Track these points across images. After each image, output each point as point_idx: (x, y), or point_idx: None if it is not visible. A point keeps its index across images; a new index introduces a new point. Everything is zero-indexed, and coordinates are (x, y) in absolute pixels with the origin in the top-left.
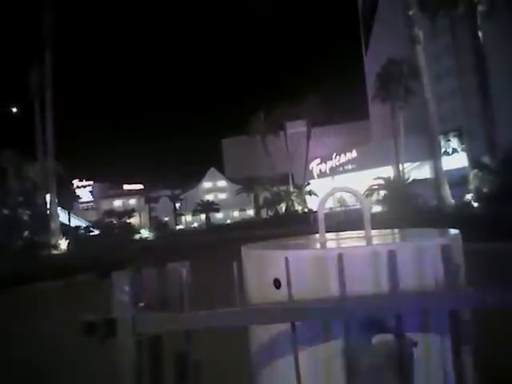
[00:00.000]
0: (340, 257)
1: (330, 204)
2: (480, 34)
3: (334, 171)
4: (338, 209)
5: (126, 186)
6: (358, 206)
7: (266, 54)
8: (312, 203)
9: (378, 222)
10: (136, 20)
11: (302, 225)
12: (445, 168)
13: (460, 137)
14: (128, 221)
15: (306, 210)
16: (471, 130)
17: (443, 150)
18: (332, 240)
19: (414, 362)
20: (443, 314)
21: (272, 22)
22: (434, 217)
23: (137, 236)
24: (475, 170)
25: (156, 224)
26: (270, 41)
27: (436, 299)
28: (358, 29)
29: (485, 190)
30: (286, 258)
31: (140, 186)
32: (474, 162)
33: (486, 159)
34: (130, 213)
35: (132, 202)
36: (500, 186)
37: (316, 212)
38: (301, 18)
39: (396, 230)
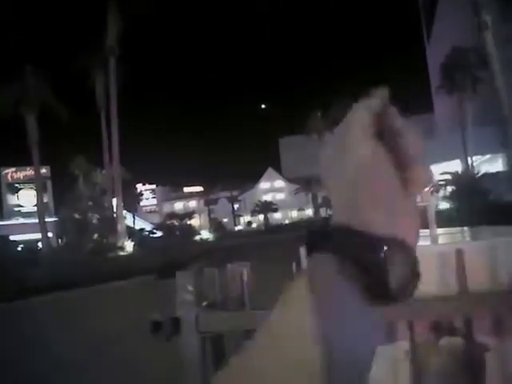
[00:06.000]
0: None
1: None
2: None
3: None
4: None
5: (187, 189)
6: (423, 204)
7: (322, 50)
8: None
9: (445, 219)
10: (199, 23)
11: None
12: None
13: None
14: (188, 222)
15: None
16: None
17: None
18: None
19: (485, 368)
20: None
21: (329, 15)
22: (509, 213)
23: (197, 237)
24: None
25: (215, 225)
26: (326, 36)
27: (508, 299)
28: (419, 17)
29: None
30: None
31: (199, 189)
32: None
33: None
34: (190, 215)
35: (192, 204)
36: None
37: None
38: (358, 10)
39: (465, 228)
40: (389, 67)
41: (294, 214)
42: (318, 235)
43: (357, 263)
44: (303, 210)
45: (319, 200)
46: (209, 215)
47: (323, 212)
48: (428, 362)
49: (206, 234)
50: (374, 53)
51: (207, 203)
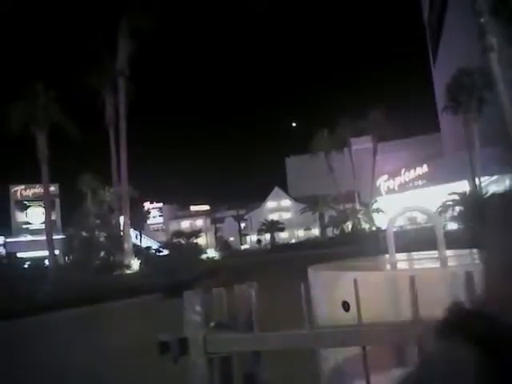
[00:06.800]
0: (412, 279)
1: (399, 222)
2: None
3: (403, 187)
4: (409, 227)
5: (193, 208)
6: (431, 224)
7: (329, 70)
8: (380, 221)
9: (454, 240)
10: (200, 48)
11: (369, 244)
12: None
13: None
14: (195, 241)
15: (373, 228)
16: None
17: None
18: (403, 261)
19: None
20: None
21: (335, 36)
22: None
23: (203, 256)
24: None
25: (222, 244)
26: (332, 56)
27: None
28: (425, 39)
29: None
30: (355, 280)
31: (206, 207)
32: None
33: None
34: (196, 233)
35: (199, 222)
36: None
37: (385, 231)
38: (364, 31)
39: (474, 250)
40: (396, 88)
41: (301, 233)
42: (462, 316)
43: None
44: (310, 229)
45: (326, 219)
46: (215, 234)
47: (329, 232)
48: None
49: (212, 253)
50: (382, 72)
51: (214, 222)
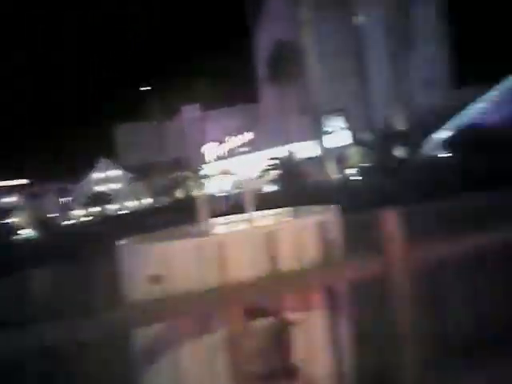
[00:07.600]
0: (220, 244)
1: (226, 187)
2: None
3: (229, 154)
4: (236, 191)
5: (5, 182)
6: (257, 188)
7: (156, 41)
8: (209, 188)
9: (270, 201)
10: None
11: (197, 211)
12: (331, 146)
13: (343, 116)
14: (8, 221)
15: (202, 194)
16: (352, 110)
17: (327, 129)
18: (214, 226)
19: (293, 340)
20: (321, 290)
21: (158, 6)
22: (320, 193)
23: (18, 236)
24: (356, 147)
25: (42, 221)
26: (157, 26)
27: (312, 276)
28: (246, 10)
29: (365, 164)
30: (165, 251)
31: (23, 182)
32: (355, 140)
33: (365, 136)
34: (9, 212)
35: (13, 199)
36: (377, 160)
37: (211, 196)
38: (187, 4)
39: (279, 210)
40: (220, 58)
41: (132, 203)
42: None
43: None
44: (140, 199)
45: (157, 188)
46: (33, 211)
47: (160, 200)
48: (243, 346)
49: (29, 232)
50: (204, 44)
51: (32, 197)
